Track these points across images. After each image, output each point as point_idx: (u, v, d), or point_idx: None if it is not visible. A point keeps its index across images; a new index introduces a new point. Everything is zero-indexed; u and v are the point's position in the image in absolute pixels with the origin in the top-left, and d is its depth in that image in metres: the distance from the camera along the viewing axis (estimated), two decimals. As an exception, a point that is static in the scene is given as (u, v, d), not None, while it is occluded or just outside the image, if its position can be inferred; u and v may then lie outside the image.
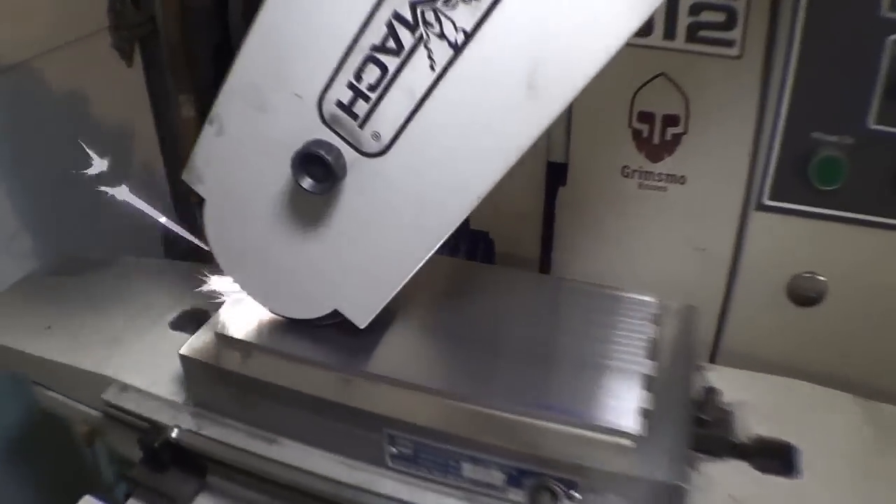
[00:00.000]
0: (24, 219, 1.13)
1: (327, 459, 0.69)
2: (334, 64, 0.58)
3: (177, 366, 0.74)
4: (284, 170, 0.61)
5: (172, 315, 0.86)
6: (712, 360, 0.89)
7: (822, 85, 0.73)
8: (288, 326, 0.73)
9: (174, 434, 0.72)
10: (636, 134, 0.82)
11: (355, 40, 0.57)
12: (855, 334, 0.82)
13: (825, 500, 0.63)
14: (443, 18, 0.54)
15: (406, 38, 0.56)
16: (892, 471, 0.65)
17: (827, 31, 0.71)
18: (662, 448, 0.60)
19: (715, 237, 0.84)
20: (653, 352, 0.68)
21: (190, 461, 0.75)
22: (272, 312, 0.73)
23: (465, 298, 0.78)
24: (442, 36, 0.55)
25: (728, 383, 0.73)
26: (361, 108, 0.59)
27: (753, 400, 0.71)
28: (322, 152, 0.60)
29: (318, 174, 0.61)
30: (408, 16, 0.55)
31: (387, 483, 0.67)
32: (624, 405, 0.62)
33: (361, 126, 0.60)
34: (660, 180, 0.83)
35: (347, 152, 0.61)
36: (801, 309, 0.84)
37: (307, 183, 0.61)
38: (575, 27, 0.52)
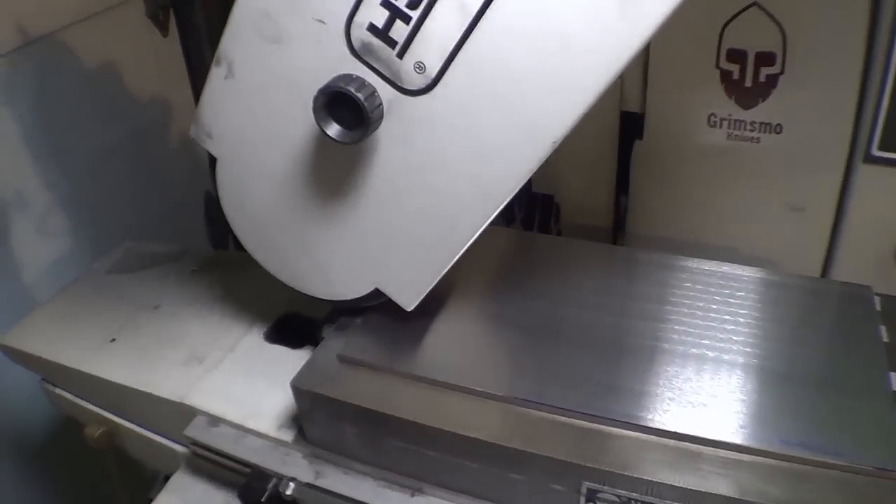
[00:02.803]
0: (57, 195, 1.04)
1: None
2: (362, -23, 0.47)
3: (282, 393, 0.58)
4: (307, 116, 0.50)
5: (267, 323, 0.69)
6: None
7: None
8: (432, 343, 0.58)
9: (290, 490, 0.56)
10: (725, 76, 0.69)
11: (390, -60, 0.45)
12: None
13: None
14: None
15: (456, -70, 0.44)
16: None
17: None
18: None
19: (815, 195, 0.72)
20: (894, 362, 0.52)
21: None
22: (304, 293, 0.62)
23: (622, 297, 0.62)
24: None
25: None
26: (400, 31, 0.48)
27: None
28: (352, 89, 0.48)
29: (347, 119, 0.49)
30: None
31: None
32: (886, 440, 0.47)
33: (401, 55, 0.48)
34: (752, 130, 0.71)
35: (384, 90, 0.49)
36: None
37: (334, 130, 0.49)
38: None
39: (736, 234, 0.75)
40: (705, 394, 0.51)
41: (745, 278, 0.60)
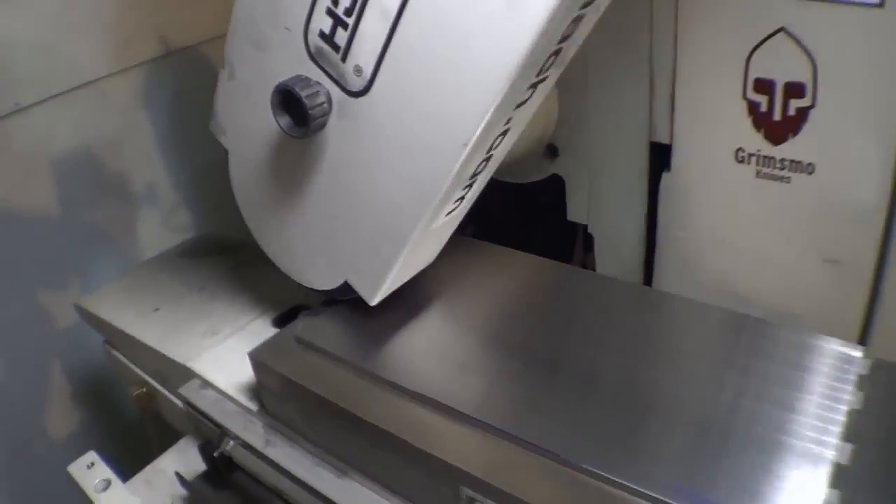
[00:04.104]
0: (182, 195, 1.19)
1: None
2: (311, -14, 0.52)
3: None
4: (282, 113, 0.55)
5: (281, 310, 0.76)
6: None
7: None
8: (382, 340, 0.61)
9: (230, 447, 0.62)
10: (752, 107, 0.65)
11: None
12: None
13: None
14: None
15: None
16: None
17: None
18: None
19: (851, 246, 0.64)
20: (851, 430, 0.48)
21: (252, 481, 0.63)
22: (302, 283, 0.67)
23: (585, 325, 0.62)
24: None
25: None
26: (342, 37, 0.52)
27: None
28: (296, 87, 0.52)
29: (297, 115, 0.54)
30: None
31: None
32: None
33: (344, 59, 0.53)
34: (782, 168, 0.65)
35: (335, 92, 0.54)
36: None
37: (284, 122, 0.54)
38: None
39: (764, 282, 0.69)
40: (641, 446, 0.49)
41: (735, 325, 0.58)
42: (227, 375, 0.68)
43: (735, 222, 0.69)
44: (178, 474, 0.67)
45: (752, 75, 0.64)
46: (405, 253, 0.57)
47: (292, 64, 0.55)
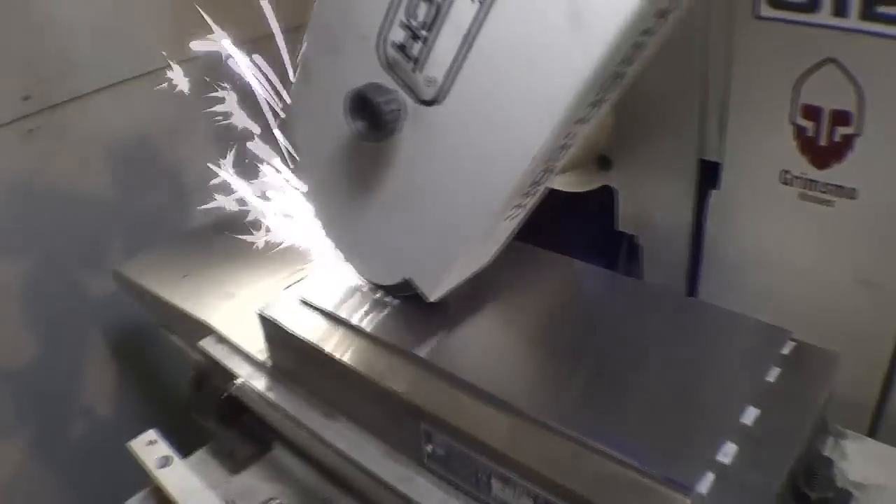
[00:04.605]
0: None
1: (370, 446, 0.65)
2: (388, 1, 0.55)
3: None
4: (352, 118, 0.59)
5: (293, 280, 0.85)
6: (872, 431, 0.70)
7: None
8: (373, 304, 0.70)
9: (234, 388, 0.72)
10: (799, 132, 0.68)
11: (405, -27, 0.53)
12: None
13: None
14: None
15: (449, -34, 0.51)
16: None
17: None
18: None
19: (891, 270, 0.67)
20: (762, 398, 0.55)
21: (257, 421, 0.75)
22: (364, 277, 0.71)
23: (566, 304, 0.70)
24: (482, -39, 0.49)
25: (865, 459, 0.57)
26: (416, 49, 0.55)
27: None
28: (371, 94, 0.56)
29: (371, 120, 0.57)
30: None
31: (420, 482, 0.62)
32: (695, 455, 0.50)
33: (416, 69, 0.56)
34: (825, 191, 0.68)
35: (407, 100, 0.57)
36: None
37: (357, 127, 0.58)
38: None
39: (804, 297, 0.72)
40: (571, 392, 0.58)
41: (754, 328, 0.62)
42: (239, 331, 0.78)
43: (778, 241, 0.72)
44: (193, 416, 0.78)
45: (801, 101, 0.67)
46: (466, 254, 0.60)
47: (366, 71, 0.58)
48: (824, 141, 0.66)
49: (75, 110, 1.09)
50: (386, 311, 0.69)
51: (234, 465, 0.75)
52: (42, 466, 1.17)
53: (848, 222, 0.67)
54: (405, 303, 0.68)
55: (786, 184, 0.70)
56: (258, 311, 0.71)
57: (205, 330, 0.80)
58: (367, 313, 0.69)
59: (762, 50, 0.67)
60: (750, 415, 0.53)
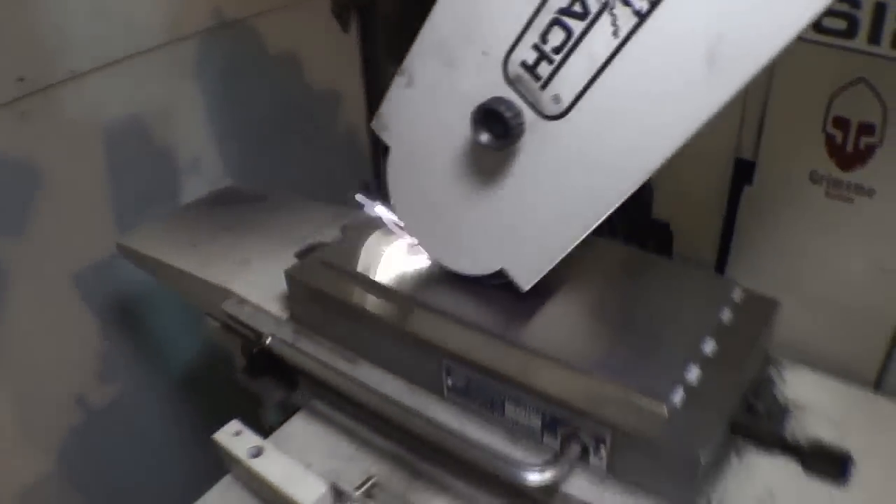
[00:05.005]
0: (228, 166, 1.24)
1: (395, 383, 0.75)
2: (522, 24, 0.61)
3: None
4: (464, 125, 0.65)
5: (300, 246, 0.90)
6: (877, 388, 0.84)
7: None
8: (385, 262, 0.79)
9: (269, 341, 0.78)
10: (829, 139, 0.79)
11: (544, 2, 0.60)
12: None
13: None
14: (630, -15, 0.55)
15: (592, 2, 0.57)
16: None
17: None
18: (698, 424, 0.59)
19: (901, 258, 0.79)
20: (718, 333, 0.66)
21: (284, 371, 0.82)
22: (442, 265, 0.76)
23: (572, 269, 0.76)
24: (627, 3, 0.56)
25: (800, 383, 0.71)
26: (544, 69, 0.62)
27: (823, 404, 0.68)
28: (502, 109, 0.62)
29: (495, 130, 0.64)
30: (596, -19, 0.57)
31: (441, 411, 0.72)
32: (667, 374, 0.62)
33: (543, 88, 0.62)
34: (848, 190, 0.79)
35: (527, 112, 0.64)
36: None
37: (484, 137, 0.64)
38: (760, 3, 0.51)
39: (825, 283, 0.84)
40: (566, 329, 0.71)
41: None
42: (259, 293, 0.86)
43: (804, 233, 0.84)
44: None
45: (833, 113, 0.78)
46: (569, 250, 0.68)
47: (485, 84, 0.64)
48: (850, 148, 0.78)
49: (70, 90, 1.07)
50: (399, 270, 0.78)
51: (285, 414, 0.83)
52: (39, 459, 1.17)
53: (865, 217, 0.79)
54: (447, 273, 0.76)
55: (814, 182, 0.81)
56: (286, 271, 0.80)
57: (223, 293, 0.87)
58: (384, 270, 0.78)
59: (803, 65, 0.77)
60: (709, 345, 0.65)
